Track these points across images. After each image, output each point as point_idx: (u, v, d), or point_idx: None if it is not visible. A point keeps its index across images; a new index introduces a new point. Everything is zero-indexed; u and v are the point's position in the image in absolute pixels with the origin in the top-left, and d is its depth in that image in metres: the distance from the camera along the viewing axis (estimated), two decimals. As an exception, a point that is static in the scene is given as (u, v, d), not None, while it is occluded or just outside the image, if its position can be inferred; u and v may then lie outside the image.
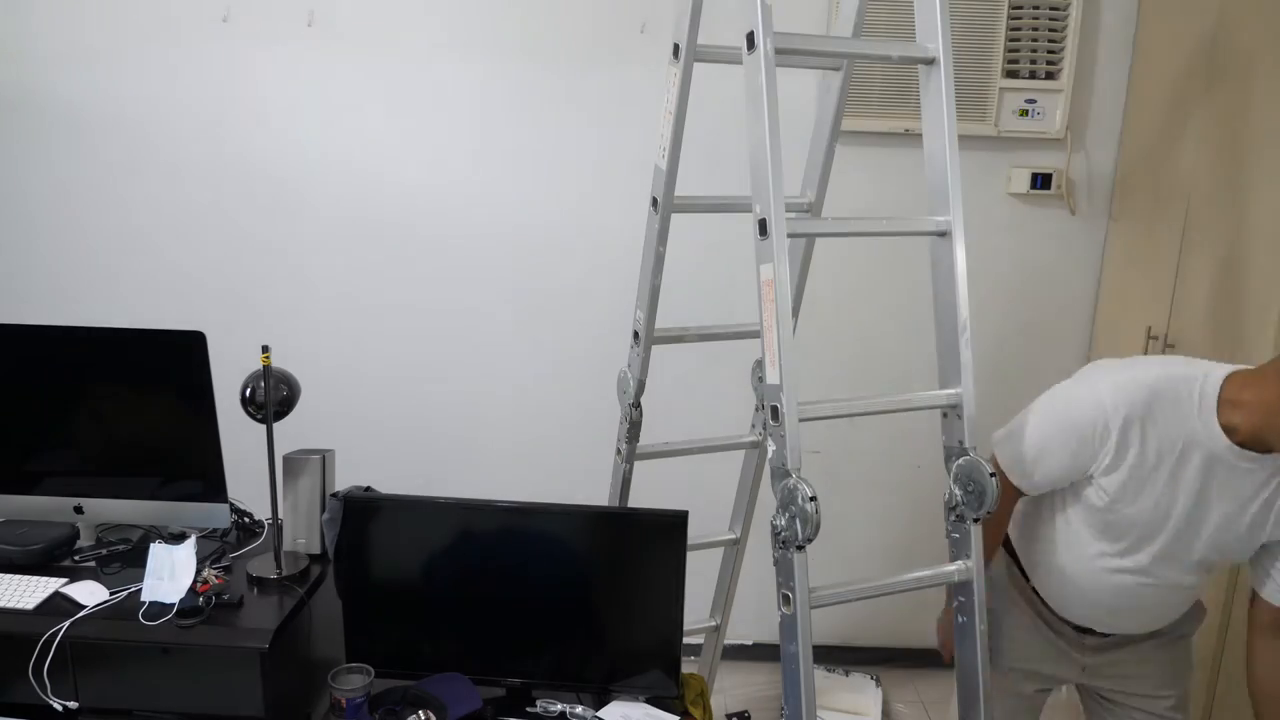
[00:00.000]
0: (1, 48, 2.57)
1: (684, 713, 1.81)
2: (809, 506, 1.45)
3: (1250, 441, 1.44)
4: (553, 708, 1.78)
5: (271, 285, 2.70)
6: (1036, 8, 2.49)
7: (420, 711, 1.72)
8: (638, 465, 2.21)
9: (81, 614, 1.71)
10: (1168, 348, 2.24)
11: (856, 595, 1.62)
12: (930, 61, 1.68)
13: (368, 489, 1.93)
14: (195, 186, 2.64)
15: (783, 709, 1.54)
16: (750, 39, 1.54)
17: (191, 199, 2.65)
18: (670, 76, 1.95)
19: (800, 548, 1.49)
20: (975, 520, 1.65)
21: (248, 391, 1.86)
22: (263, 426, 1.83)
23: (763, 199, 1.52)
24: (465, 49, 2.57)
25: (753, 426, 2.33)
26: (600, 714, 1.76)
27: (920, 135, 1.71)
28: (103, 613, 1.73)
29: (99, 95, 2.59)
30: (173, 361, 1.86)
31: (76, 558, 1.93)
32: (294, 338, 2.60)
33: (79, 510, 1.95)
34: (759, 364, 2.30)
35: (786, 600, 1.51)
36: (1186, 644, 1.76)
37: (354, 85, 2.59)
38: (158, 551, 1.80)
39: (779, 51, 1.55)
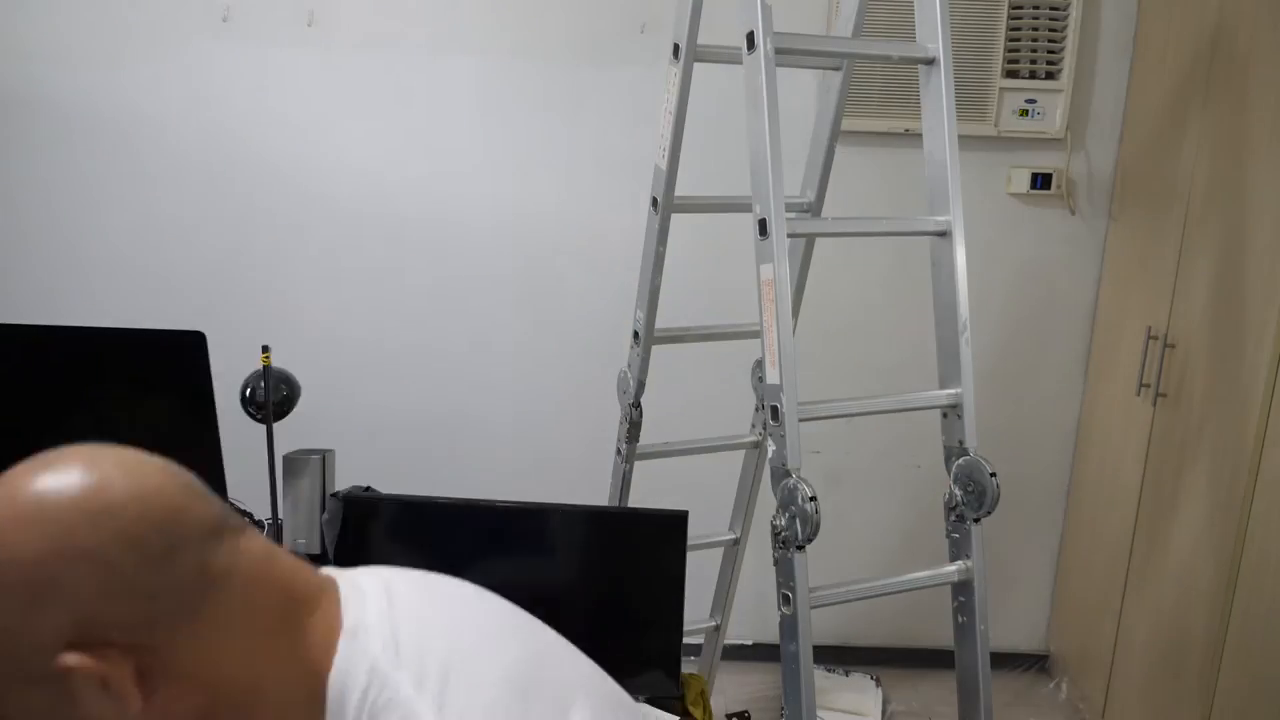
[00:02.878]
0: None
1: (684, 713, 1.81)
2: (809, 506, 1.45)
3: None
4: (553, 708, 1.78)
5: (272, 285, 2.70)
6: (1036, 8, 2.49)
7: (420, 711, 1.71)
8: (638, 465, 2.21)
9: (81, 614, 1.71)
10: (1168, 348, 2.24)
11: (856, 595, 1.63)
12: (930, 61, 1.68)
13: (368, 489, 1.93)
14: (195, 186, 2.64)
15: (783, 709, 1.54)
16: (750, 39, 1.54)
17: (191, 198, 2.65)
18: (670, 76, 1.95)
19: (800, 548, 1.49)
20: (975, 520, 1.65)
21: (248, 391, 1.86)
22: (263, 426, 1.83)
23: (763, 199, 1.53)
24: (465, 49, 2.57)
25: (753, 426, 2.33)
26: (600, 714, 1.76)
27: (920, 135, 1.72)
28: (103, 613, 1.72)
29: (97, 95, 2.59)
30: (173, 361, 1.86)
31: (76, 558, 1.92)
32: (294, 338, 2.60)
33: (79, 510, 1.94)
34: (759, 364, 2.30)
35: (786, 600, 1.51)
36: None
37: (354, 85, 2.59)
38: (158, 551, 1.79)
39: (779, 51, 1.55)
